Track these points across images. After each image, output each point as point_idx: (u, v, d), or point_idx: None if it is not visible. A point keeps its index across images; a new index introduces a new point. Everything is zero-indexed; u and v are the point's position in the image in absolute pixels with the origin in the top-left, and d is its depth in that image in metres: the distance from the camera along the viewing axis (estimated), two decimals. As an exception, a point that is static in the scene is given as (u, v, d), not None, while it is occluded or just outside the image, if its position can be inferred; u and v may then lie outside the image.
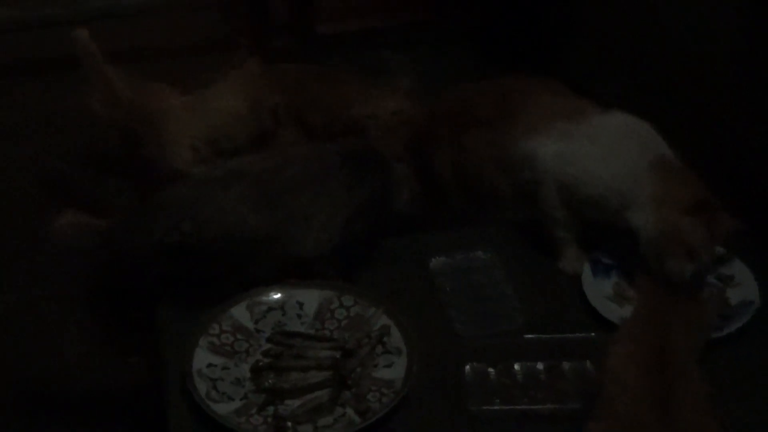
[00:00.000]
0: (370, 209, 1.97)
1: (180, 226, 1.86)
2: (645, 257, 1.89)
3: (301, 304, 1.88)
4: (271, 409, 1.71)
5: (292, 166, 1.95)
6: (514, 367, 1.78)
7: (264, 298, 1.87)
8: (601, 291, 1.92)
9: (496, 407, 1.72)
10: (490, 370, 1.78)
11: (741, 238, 1.94)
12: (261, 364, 1.78)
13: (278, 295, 1.88)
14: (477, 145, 2.10)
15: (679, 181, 1.90)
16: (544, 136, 2.00)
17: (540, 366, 1.78)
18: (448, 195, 2.14)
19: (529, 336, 1.84)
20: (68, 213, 1.93)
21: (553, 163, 1.97)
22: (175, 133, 2.28)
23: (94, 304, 2.56)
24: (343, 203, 1.93)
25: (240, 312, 1.85)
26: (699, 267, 1.84)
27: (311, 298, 1.88)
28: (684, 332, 1.62)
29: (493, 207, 2.11)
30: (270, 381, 1.75)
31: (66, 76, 2.86)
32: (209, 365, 1.76)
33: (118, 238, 1.91)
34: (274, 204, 1.89)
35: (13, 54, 3.08)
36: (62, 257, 2.48)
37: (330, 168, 1.96)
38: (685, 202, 1.85)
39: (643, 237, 1.89)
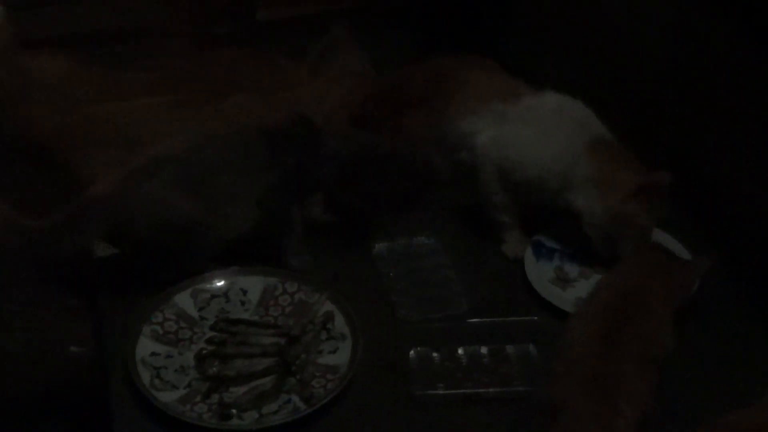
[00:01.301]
0: (290, 182, 1.93)
1: (112, 224, 1.86)
2: (589, 237, 1.92)
3: (244, 291, 1.88)
4: (215, 397, 1.71)
5: (212, 145, 1.92)
6: (458, 351, 1.79)
7: (207, 286, 1.88)
8: (543, 274, 1.94)
9: (440, 391, 1.73)
10: (434, 354, 1.79)
11: (678, 221, 1.97)
12: (205, 351, 1.78)
13: (222, 282, 1.88)
14: (414, 125, 2.11)
15: (618, 161, 1.93)
16: (480, 117, 2.01)
17: (483, 350, 1.79)
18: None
19: (473, 320, 1.86)
20: None
21: (492, 149, 1.99)
22: None
23: (32, 293, 2.53)
24: (263, 179, 1.91)
25: (183, 299, 1.85)
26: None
27: (255, 284, 1.89)
28: (662, 291, 1.70)
29: (432, 188, 2.12)
30: (214, 369, 1.75)
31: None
32: (153, 354, 1.76)
33: (47, 240, 1.87)
34: (198, 186, 1.87)
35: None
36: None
37: (251, 145, 1.93)
38: (628, 183, 1.89)
39: (588, 219, 1.91)
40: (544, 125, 1.98)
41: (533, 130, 1.98)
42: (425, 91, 2.11)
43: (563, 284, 1.94)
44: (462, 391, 1.73)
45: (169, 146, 1.91)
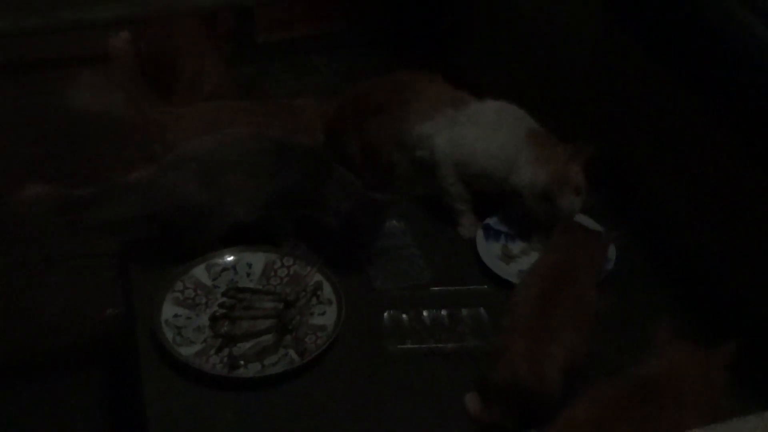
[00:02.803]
0: (289, 195, 1.89)
1: (143, 205, 1.86)
2: (531, 208, 1.93)
3: (250, 265, 1.88)
4: (226, 351, 1.72)
5: (227, 147, 1.90)
6: (423, 314, 1.80)
7: (219, 260, 1.87)
8: (491, 252, 1.95)
9: (408, 346, 1.75)
10: (404, 316, 1.80)
11: (598, 206, 1.98)
12: (217, 314, 1.78)
13: (231, 258, 1.88)
14: (377, 129, 2.10)
15: (551, 143, 1.94)
16: (436, 122, 2.01)
17: (443, 312, 1.81)
18: (358, 174, 2.14)
19: (435, 288, 1.87)
20: (32, 185, 1.86)
21: (449, 148, 1.98)
22: None
23: (71, 265, 2.53)
24: (267, 184, 1.88)
25: (200, 272, 1.85)
26: (582, 201, 1.91)
27: (258, 259, 1.89)
28: (585, 261, 1.72)
29: (395, 182, 2.11)
30: (225, 328, 1.76)
31: (44, 77, 2.82)
32: (175, 315, 1.77)
33: (87, 207, 1.86)
34: (212, 180, 1.86)
35: (3, 57, 3.01)
36: (38, 225, 2.45)
37: (260, 154, 1.90)
38: (562, 154, 1.90)
39: (530, 191, 1.92)
40: (490, 124, 1.98)
41: (481, 129, 1.98)
42: (386, 101, 2.10)
43: (508, 260, 1.95)
44: (426, 346, 1.75)
45: (192, 145, 1.91)
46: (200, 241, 1.89)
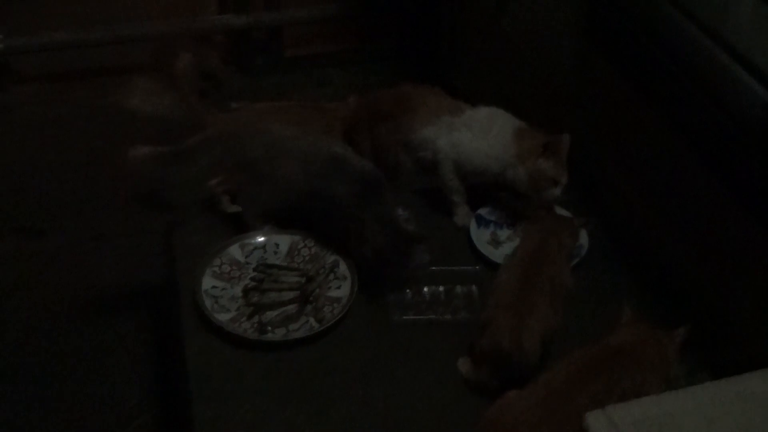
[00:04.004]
0: (334, 203, 1.82)
1: (220, 157, 1.86)
2: (527, 197, 1.93)
3: (277, 245, 1.88)
4: (256, 318, 1.73)
5: (295, 139, 1.87)
6: (423, 290, 1.81)
7: (251, 241, 1.87)
8: (482, 238, 1.95)
9: (410, 317, 1.75)
10: (407, 291, 1.80)
11: (572, 198, 1.98)
12: (249, 286, 1.79)
13: (261, 239, 1.88)
14: (386, 132, 2.09)
15: (532, 139, 1.92)
16: (437, 127, 2.00)
17: (441, 289, 1.81)
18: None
19: (434, 268, 1.86)
20: (140, 146, 1.85)
21: (449, 149, 1.98)
22: None
23: (123, 241, 2.53)
24: (316, 185, 1.83)
25: (234, 250, 1.85)
26: (563, 188, 1.90)
27: (284, 240, 1.89)
28: (558, 245, 1.72)
29: (401, 177, 2.09)
30: (255, 298, 1.76)
31: (105, 82, 2.83)
32: (213, 287, 1.77)
33: (181, 160, 1.85)
34: (274, 157, 1.84)
35: (69, 65, 3.01)
36: (103, 205, 2.48)
37: (319, 155, 1.84)
38: (538, 147, 1.90)
39: (519, 184, 1.92)
40: (483, 127, 1.96)
41: (476, 132, 1.96)
42: (393, 109, 2.09)
43: (496, 245, 1.94)
44: (425, 317, 1.76)
45: (271, 124, 1.92)
46: (251, 210, 1.88)
